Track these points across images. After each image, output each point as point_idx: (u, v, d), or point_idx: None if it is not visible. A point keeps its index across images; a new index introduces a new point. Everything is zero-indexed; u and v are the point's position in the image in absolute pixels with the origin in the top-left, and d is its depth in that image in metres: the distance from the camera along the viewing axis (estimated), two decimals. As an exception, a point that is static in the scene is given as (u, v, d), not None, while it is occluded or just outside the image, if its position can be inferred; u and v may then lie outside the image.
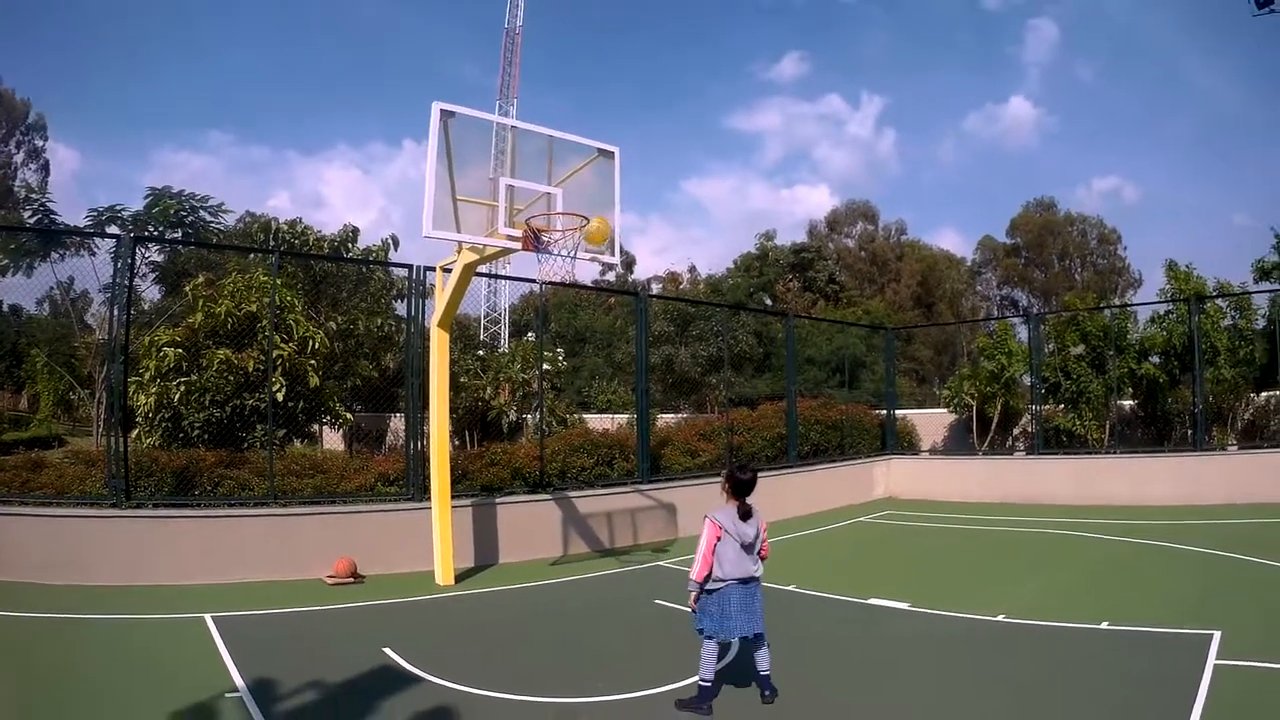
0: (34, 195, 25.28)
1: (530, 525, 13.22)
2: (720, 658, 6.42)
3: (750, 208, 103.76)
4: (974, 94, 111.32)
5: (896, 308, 60.91)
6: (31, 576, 10.04)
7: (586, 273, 63.74)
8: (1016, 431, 24.79)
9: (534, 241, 9.71)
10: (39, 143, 64.42)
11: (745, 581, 6.19)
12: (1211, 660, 6.83)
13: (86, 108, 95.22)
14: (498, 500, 13.01)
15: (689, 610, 6.35)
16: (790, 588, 10.50)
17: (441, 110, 9.26)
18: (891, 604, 9.53)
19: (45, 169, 64.44)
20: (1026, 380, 23.66)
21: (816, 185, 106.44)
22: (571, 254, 9.74)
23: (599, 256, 10.48)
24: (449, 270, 11.46)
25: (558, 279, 10.08)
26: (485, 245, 9.98)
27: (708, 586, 6.17)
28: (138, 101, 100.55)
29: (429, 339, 11.77)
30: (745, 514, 6.26)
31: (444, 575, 11.08)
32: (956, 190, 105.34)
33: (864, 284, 70.15)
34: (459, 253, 10.72)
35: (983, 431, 24.09)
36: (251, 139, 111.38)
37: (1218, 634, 7.52)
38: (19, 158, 63.12)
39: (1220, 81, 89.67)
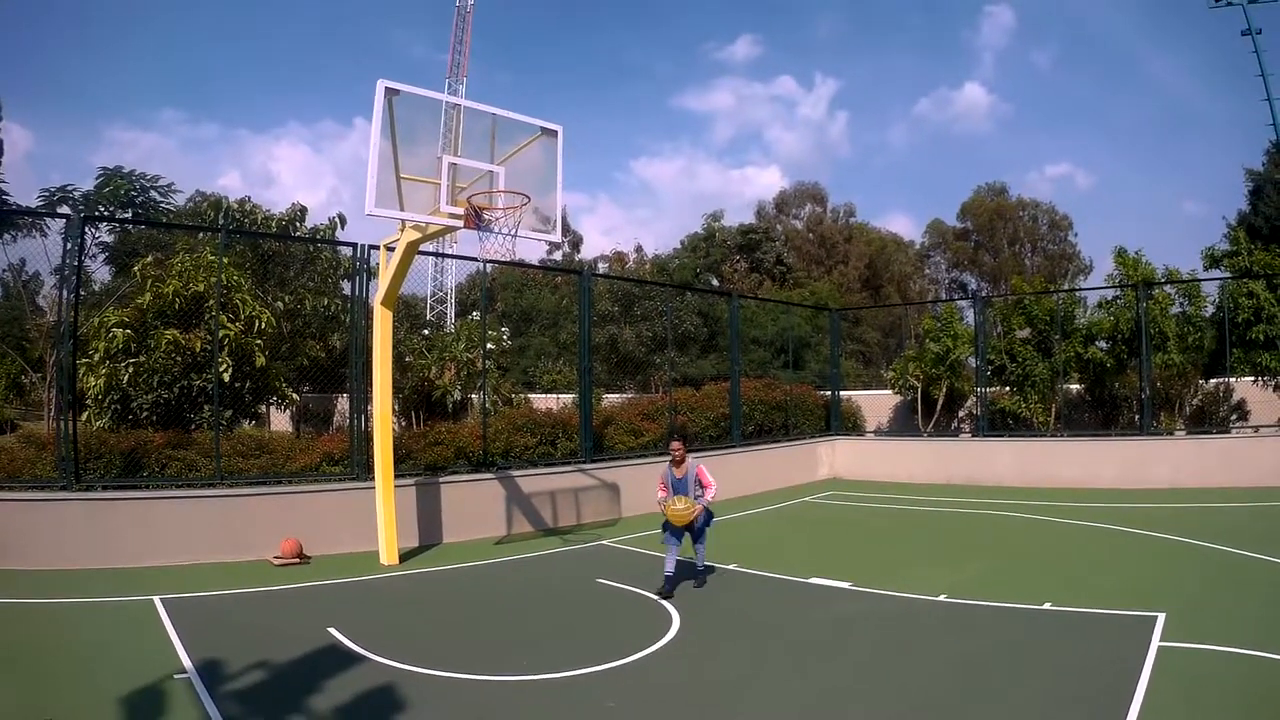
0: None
1: (474, 505, 13.26)
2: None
3: (699, 188, 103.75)
4: (928, 79, 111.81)
5: (844, 290, 61.12)
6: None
7: (533, 251, 63.40)
8: (962, 414, 25.16)
9: (475, 219, 9.73)
10: (-8, 122, 62.70)
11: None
12: (1155, 642, 6.95)
13: (38, 87, 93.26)
14: (441, 480, 13.03)
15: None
16: (731, 566, 10.64)
17: (387, 88, 9.24)
18: (833, 583, 9.68)
19: (-1, 149, 62.73)
20: (972, 363, 24.01)
21: (767, 167, 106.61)
22: (513, 232, 9.77)
23: (543, 236, 10.51)
24: (392, 249, 11.40)
25: (500, 257, 10.07)
26: (427, 223, 10.00)
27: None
28: (89, 80, 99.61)
29: (373, 317, 11.73)
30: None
31: (388, 555, 11.11)
32: (907, 174, 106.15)
33: (811, 266, 70.35)
34: (402, 231, 10.71)
35: (928, 413, 24.42)
36: (203, 117, 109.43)
37: (1162, 616, 7.69)
38: (-29, 138, 61.30)
39: (1173, 71, 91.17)
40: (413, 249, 10.78)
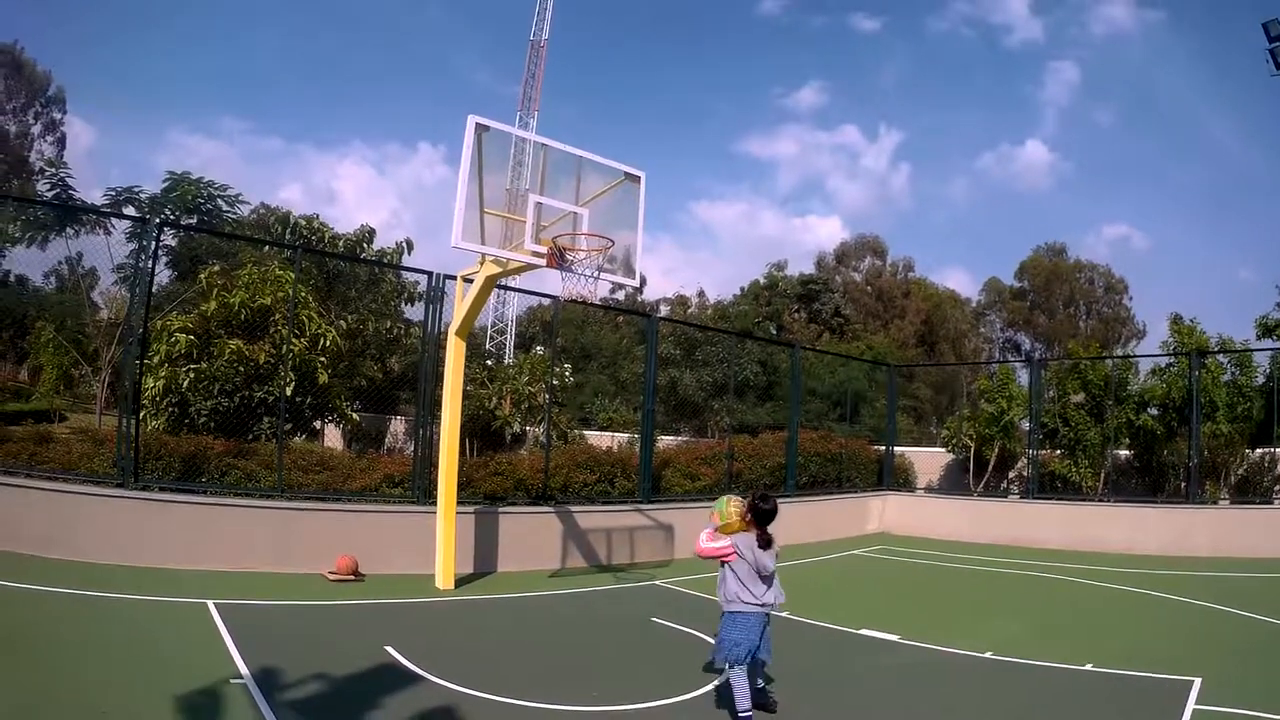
0: (52, 168, 25.23)
1: (530, 536, 13.34)
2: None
3: (759, 234, 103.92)
4: (990, 133, 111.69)
5: (899, 345, 60.93)
6: (32, 549, 10.12)
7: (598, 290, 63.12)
8: (1012, 475, 24.93)
9: (559, 259, 9.89)
10: (57, 115, 64.30)
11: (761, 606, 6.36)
12: (1191, 705, 6.99)
13: (103, 84, 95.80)
14: (500, 509, 13.14)
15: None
16: (783, 615, 10.59)
17: (477, 124, 9.45)
18: (881, 635, 9.66)
19: (61, 143, 64.03)
20: (1024, 424, 23.87)
21: (828, 216, 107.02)
22: (595, 275, 9.93)
23: (623, 280, 10.67)
24: (470, 280, 11.62)
25: (580, 298, 10.22)
26: (511, 259, 10.13)
27: (732, 608, 6.35)
28: (153, 81, 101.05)
29: (443, 346, 11.92)
30: (766, 544, 6.41)
31: (445, 579, 11.22)
32: (966, 229, 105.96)
33: (868, 319, 70.28)
34: (481, 264, 10.87)
35: (979, 473, 24.23)
36: (266, 129, 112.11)
37: (1198, 681, 7.67)
38: (36, 129, 63.00)
39: (1233, 136, 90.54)
40: (492, 283, 10.96)
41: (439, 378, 12.70)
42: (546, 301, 15.05)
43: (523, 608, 10.67)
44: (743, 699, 6.15)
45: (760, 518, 6.45)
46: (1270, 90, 79.28)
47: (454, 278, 12.37)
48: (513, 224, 10.35)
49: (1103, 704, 7.32)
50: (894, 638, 9.54)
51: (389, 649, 7.79)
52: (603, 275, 10.12)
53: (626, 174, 10.72)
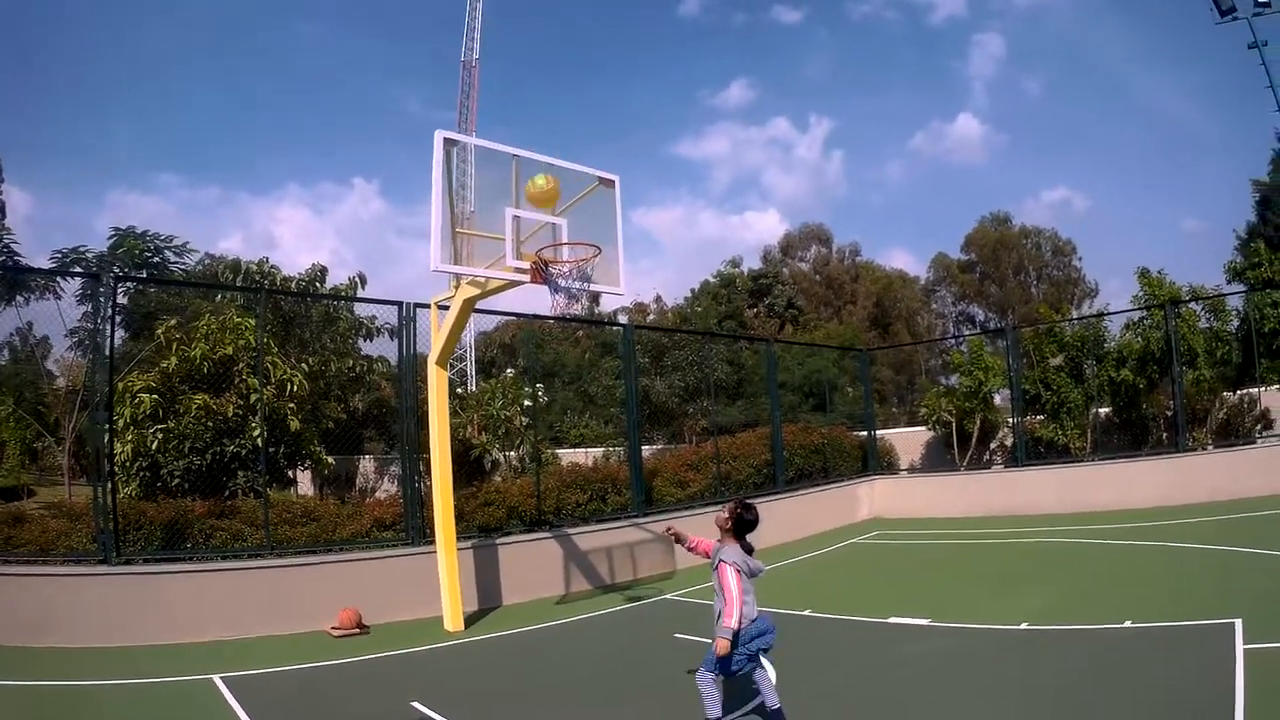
0: (-6, 235, 24.42)
1: (530, 565, 12.91)
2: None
3: (699, 235, 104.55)
4: (920, 113, 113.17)
5: (854, 329, 61.17)
6: (17, 639, 9.49)
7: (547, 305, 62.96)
8: (994, 445, 24.91)
9: (542, 273, 9.47)
10: (-7, 182, 62.65)
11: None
12: (1240, 646, 7.02)
13: (38, 150, 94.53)
14: (497, 540, 12.71)
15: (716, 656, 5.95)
16: (805, 612, 10.40)
17: (445, 139, 9.05)
18: (912, 621, 9.48)
19: (1, 210, 62.56)
20: (996, 397, 23.93)
21: (766, 210, 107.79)
22: (584, 286, 9.55)
23: (608, 289, 10.26)
24: (444, 306, 11.21)
25: (568, 312, 9.84)
26: (491, 279, 9.71)
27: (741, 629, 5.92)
28: (86, 144, 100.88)
29: (421, 377, 11.51)
30: (749, 550, 6.21)
31: (453, 621, 10.74)
32: (907, 209, 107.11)
33: (821, 307, 70.58)
34: (457, 287, 10.48)
35: (963, 447, 24.16)
36: (202, 180, 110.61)
37: (1238, 622, 7.71)
38: (-30, 198, 61.17)
39: (1166, 90, 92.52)
40: (470, 306, 10.49)
41: (412, 411, 12.36)
42: (498, 324, 14.61)
43: (541, 641, 10.21)
44: (714, 706, 5.90)
45: (743, 528, 6.23)
46: (1201, 39, 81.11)
47: (427, 306, 11.96)
48: (477, 242, 9.89)
49: (1155, 657, 7.33)
50: (925, 622, 9.39)
51: (417, 705, 7.34)
52: (589, 286, 9.71)
53: (600, 179, 10.37)
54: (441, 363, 11.18)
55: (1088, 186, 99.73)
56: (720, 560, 6.05)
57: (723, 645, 5.79)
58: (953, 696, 6.83)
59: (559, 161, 10.13)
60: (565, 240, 9.75)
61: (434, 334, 11.45)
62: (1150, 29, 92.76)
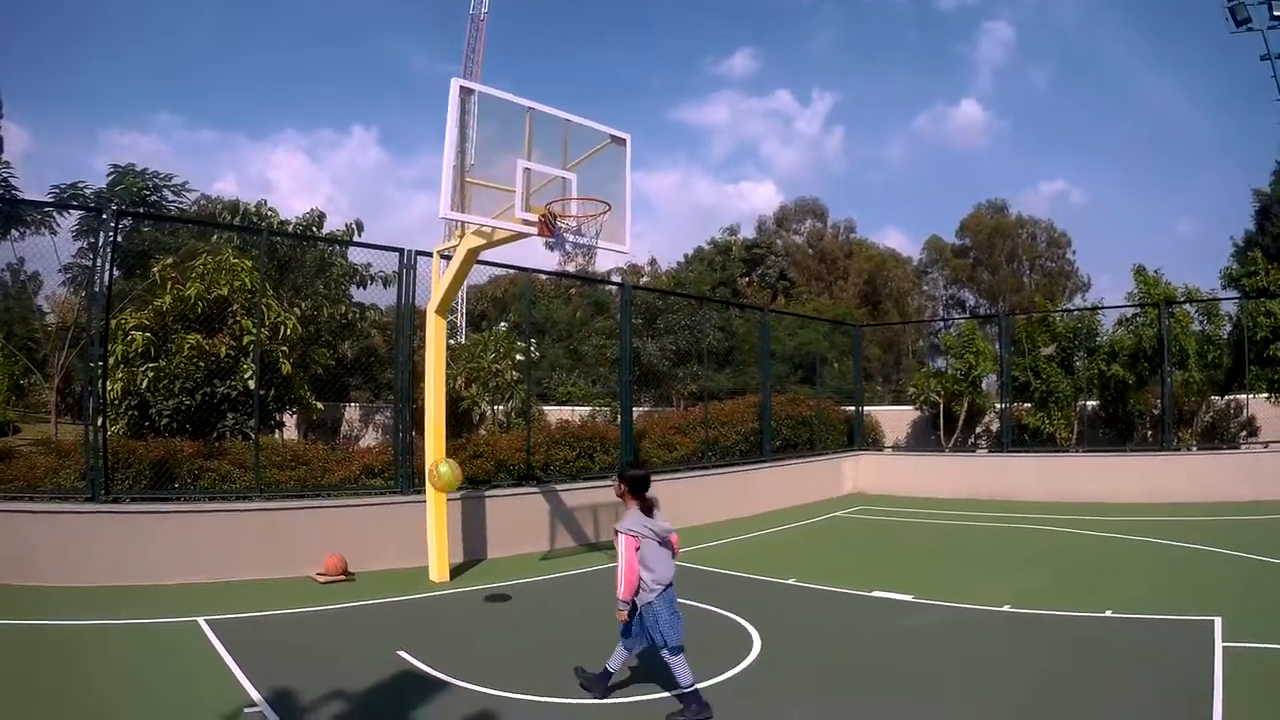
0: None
1: (517, 519, 12.93)
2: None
3: (694, 202, 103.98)
4: (925, 94, 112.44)
5: (845, 305, 61.17)
6: (2, 576, 9.42)
7: (549, 261, 62.88)
8: (979, 429, 25.04)
9: (550, 227, 9.39)
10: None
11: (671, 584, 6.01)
12: (1219, 643, 7.14)
13: (35, 87, 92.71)
14: (485, 493, 12.71)
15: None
16: (790, 581, 10.54)
17: (461, 87, 8.93)
18: (896, 596, 9.56)
19: (-2, 145, 61.72)
20: (984, 381, 24.03)
21: (762, 182, 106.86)
22: (591, 242, 9.49)
23: (614, 247, 10.18)
24: (446, 255, 11.15)
25: (578, 266, 9.79)
26: (499, 229, 9.60)
27: (651, 598, 5.88)
28: (86, 82, 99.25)
29: (420, 325, 11.44)
30: (649, 509, 6.09)
31: (439, 572, 10.74)
32: (904, 190, 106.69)
33: (812, 281, 70.51)
34: (460, 237, 10.39)
35: (949, 429, 24.25)
36: (200, 122, 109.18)
37: (1218, 620, 7.83)
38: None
39: (1169, 91, 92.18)
40: (473, 256, 10.39)
41: (406, 359, 12.39)
42: (490, 277, 14.53)
43: (527, 595, 10.17)
44: (686, 675, 5.81)
45: (636, 485, 6.19)
46: (1209, 44, 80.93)
47: (428, 254, 11.88)
48: (484, 192, 9.72)
49: (1135, 648, 7.41)
50: (909, 598, 9.48)
51: (402, 654, 7.32)
52: (595, 242, 9.64)
53: (612, 136, 10.25)
54: (441, 312, 11.12)
55: (1086, 181, 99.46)
56: (615, 529, 6.08)
57: (621, 615, 6.00)
58: (937, 669, 6.92)
59: (573, 117, 10.00)
60: (574, 196, 9.66)
61: (435, 282, 11.37)
62: (1159, 31, 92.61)
